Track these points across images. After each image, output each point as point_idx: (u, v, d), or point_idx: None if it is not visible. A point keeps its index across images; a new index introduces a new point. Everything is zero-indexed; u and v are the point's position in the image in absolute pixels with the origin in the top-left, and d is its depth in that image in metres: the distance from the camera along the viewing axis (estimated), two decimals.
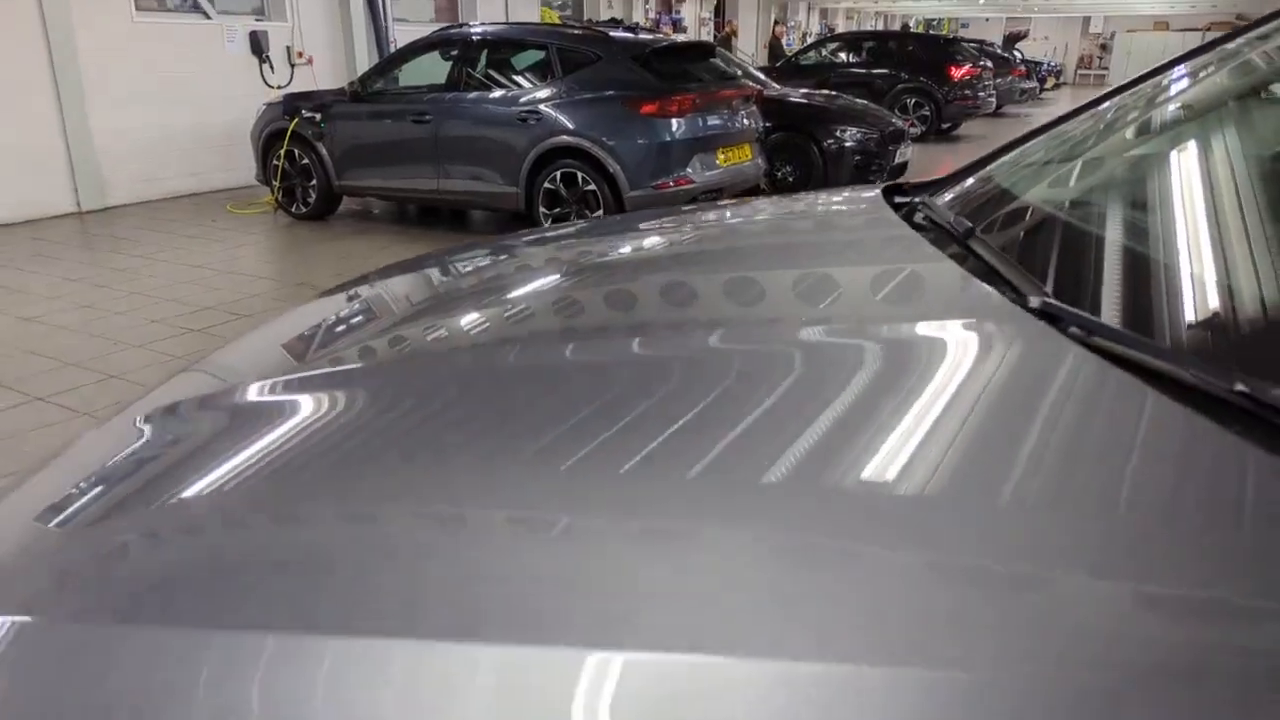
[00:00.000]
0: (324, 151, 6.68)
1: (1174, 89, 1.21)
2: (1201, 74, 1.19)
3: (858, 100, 8.49)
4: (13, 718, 0.51)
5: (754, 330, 0.92)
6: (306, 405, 0.86)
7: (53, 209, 7.02)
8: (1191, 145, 1.04)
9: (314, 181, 6.80)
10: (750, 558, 0.54)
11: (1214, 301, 0.74)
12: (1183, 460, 0.59)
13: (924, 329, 0.84)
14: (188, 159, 8.00)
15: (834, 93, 8.67)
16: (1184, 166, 0.99)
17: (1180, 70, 1.20)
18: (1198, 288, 0.76)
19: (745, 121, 6.15)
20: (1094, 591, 0.48)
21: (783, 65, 12.70)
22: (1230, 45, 1.17)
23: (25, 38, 6.69)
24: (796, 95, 8.13)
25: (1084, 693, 0.42)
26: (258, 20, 8.68)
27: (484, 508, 0.63)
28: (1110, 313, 0.77)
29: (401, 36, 8.71)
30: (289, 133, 6.70)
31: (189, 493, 0.72)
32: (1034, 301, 0.80)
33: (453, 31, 6.69)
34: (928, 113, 12.26)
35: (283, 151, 6.78)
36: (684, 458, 0.64)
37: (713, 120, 5.85)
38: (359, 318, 1.20)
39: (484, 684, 0.47)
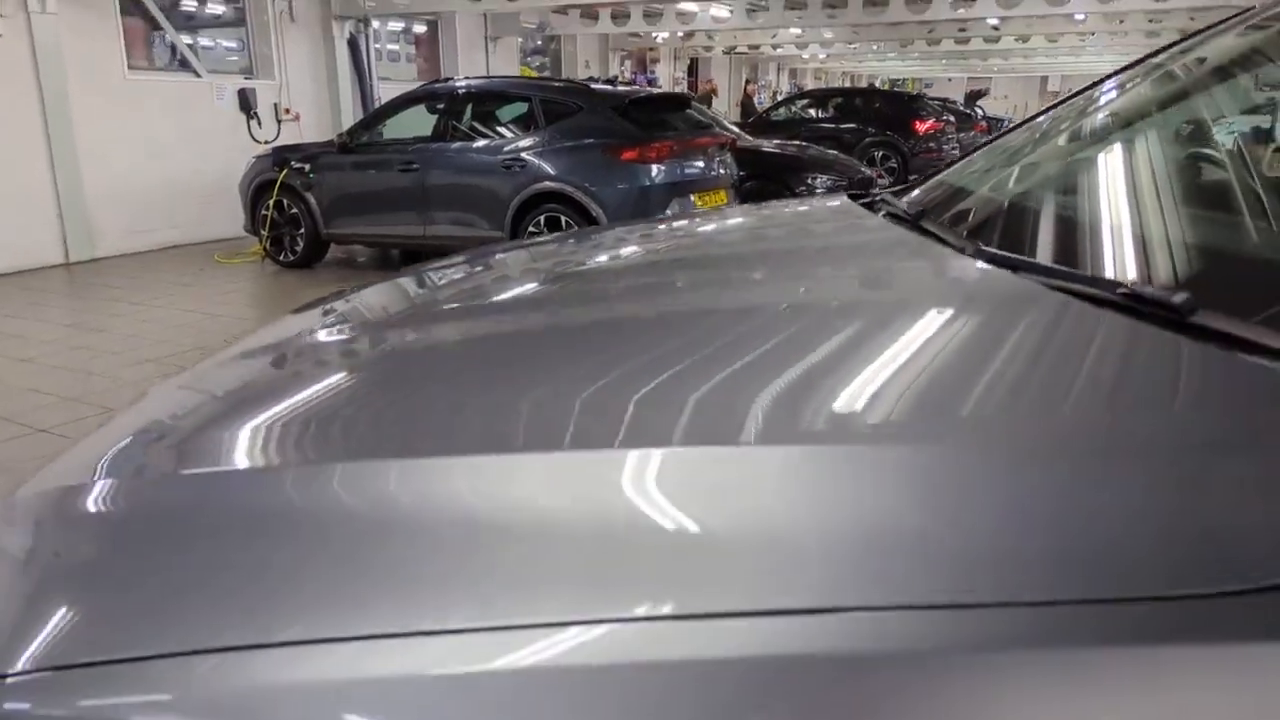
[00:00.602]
0: (312, 201, 6.87)
1: (1070, 116, 1.49)
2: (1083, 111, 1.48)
3: (828, 150, 8.85)
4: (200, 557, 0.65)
5: (770, 273, 1.28)
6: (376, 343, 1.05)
7: (42, 260, 7.13)
8: (1086, 152, 1.35)
9: (302, 230, 6.98)
10: (763, 369, 0.76)
11: (1101, 239, 0.99)
12: (1086, 338, 0.80)
13: (894, 272, 1.17)
14: (176, 211, 8.16)
15: (805, 144, 9.03)
16: (1074, 167, 1.30)
17: (1065, 108, 1.50)
18: (1083, 232, 1.03)
19: (720, 169, 6.43)
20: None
21: (754, 121, 13.16)
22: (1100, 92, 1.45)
23: (19, 93, 6.88)
24: (770, 146, 8.47)
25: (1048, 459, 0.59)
26: (246, 78, 8.95)
27: (537, 381, 0.84)
28: (1027, 251, 1.00)
29: (385, 94, 9.01)
30: (278, 183, 6.89)
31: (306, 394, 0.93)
32: (970, 250, 1.01)
33: (440, 86, 6.98)
34: (895, 165, 12.73)
35: (271, 201, 6.96)
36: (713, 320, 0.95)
37: (689, 167, 6.12)
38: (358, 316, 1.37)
39: (546, 483, 0.62)
